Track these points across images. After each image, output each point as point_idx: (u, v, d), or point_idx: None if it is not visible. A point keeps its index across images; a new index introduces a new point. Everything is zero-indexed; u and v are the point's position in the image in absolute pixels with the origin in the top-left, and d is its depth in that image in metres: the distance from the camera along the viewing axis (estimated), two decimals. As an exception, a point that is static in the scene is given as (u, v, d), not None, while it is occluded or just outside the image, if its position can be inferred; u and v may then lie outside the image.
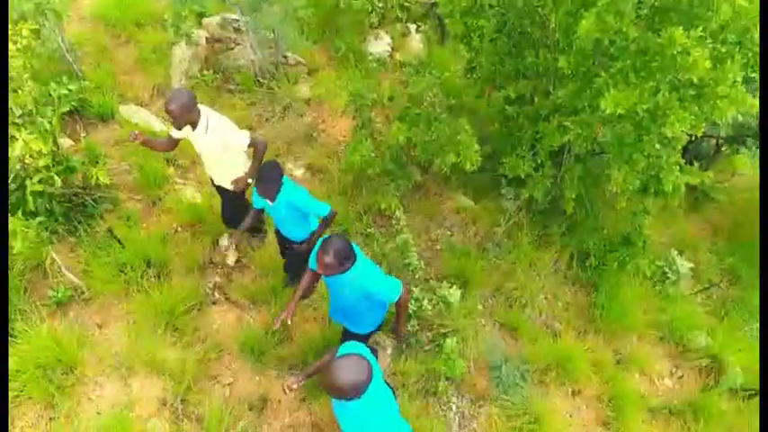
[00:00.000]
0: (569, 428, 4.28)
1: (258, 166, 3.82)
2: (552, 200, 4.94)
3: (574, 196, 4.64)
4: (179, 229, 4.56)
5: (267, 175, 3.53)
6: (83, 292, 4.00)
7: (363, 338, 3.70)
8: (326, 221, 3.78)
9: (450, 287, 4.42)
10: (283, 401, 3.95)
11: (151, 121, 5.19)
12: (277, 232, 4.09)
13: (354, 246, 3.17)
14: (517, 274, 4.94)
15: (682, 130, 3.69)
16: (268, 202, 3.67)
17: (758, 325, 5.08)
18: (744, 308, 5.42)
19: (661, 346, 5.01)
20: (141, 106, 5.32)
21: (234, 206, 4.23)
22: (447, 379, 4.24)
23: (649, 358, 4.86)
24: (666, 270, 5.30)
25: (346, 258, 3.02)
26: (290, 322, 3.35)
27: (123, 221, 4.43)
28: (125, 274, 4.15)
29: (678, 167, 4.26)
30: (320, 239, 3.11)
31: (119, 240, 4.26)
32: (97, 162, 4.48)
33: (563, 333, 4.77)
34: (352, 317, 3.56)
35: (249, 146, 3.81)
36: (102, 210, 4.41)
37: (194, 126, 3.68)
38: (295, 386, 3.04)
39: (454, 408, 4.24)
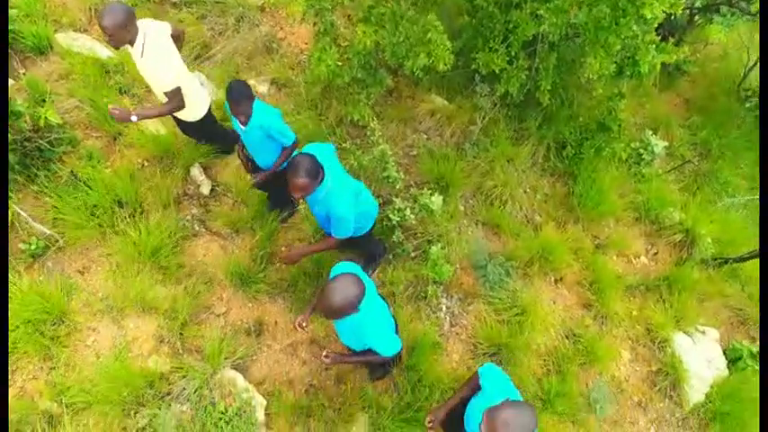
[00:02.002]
0: (554, 314, 4.41)
1: (156, 115, 3.57)
2: (527, 92, 4.71)
3: (549, 87, 4.42)
4: (145, 163, 4.27)
5: (237, 91, 3.26)
6: (57, 241, 3.80)
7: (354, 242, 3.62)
8: (288, 151, 3.60)
9: (431, 194, 4.31)
10: (279, 323, 3.96)
11: (95, 47, 4.66)
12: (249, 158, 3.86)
13: (328, 156, 3.07)
14: (496, 172, 4.83)
15: (662, 10, 3.43)
16: (240, 125, 3.43)
17: (729, 198, 5.15)
18: (715, 180, 5.45)
19: (637, 226, 5.07)
20: (80, 32, 4.76)
21: (200, 132, 3.95)
22: (435, 283, 4.27)
23: (626, 239, 4.93)
24: (642, 151, 5.22)
25: (317, 173, 2.96)
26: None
27: (85, 162, 4.11)
28: (97, 216, 3.92)
29: (654, 46, 4.04)
30: (289, 162, 2.98)
31: (84, 182, 3.99)
32: (44, 101, 4.06)
33: (543, 225, 4.78)
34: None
35: (168, 94, 3.44)
36: (60, 152, 4.06)
37: (132, 44, 3.31)
38: (305, 324, 3.11)
39: (444, 308, 4.32)
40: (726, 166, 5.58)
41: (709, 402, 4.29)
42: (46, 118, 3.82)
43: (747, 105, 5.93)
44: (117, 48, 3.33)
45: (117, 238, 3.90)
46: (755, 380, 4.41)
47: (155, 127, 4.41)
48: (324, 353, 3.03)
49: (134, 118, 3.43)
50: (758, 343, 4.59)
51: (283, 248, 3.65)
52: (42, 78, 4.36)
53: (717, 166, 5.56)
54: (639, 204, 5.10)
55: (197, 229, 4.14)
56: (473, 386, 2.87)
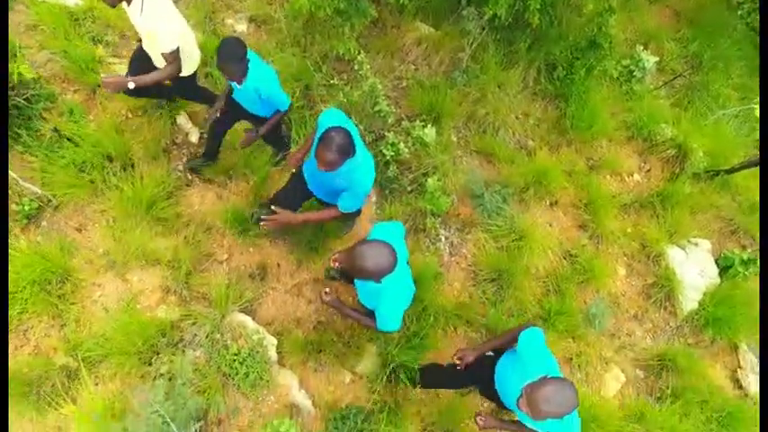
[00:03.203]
0: (551, 237, 4.44)
1: (155, 81, 3.33)
2: (516, 13, 4.50)
3: (538, 6, 4.22)
4: (129, 114, 4.10)
5: (228, 53, 3.04)
6: (49, 201, 3.70)
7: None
8: (282, 115, 3.48)
9: (424, 126, 4.21)
10: (282, 266, 3.96)
11: (60, -6, 4.37)
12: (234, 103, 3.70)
13: (355, 136, 2.87)
14: (487, 99, 4.72)
15: None
16: (235, 84, 3.27)
17: (720, 110, 5.08)
18: (706, 93, 5.36)
19: (629, 144, 5.03)
20: (42, -22, 4.44)
21: (183, 88, 3.78)
22: (433, 215, 4.26)
23: (619, 158, 4.91)
24: (632, 68, 5.11)
25: (348, 152, 2.76)
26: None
27: (67, 117, 3.93)
28: (87, 173, 3.81)
29: (646, -45, 3.84)
30: (321, 134, 2.76)
31: (69, 139, 3.84)
32: (14, 55, 3.83)
33: (537, 150, 4.73)
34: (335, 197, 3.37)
35: (166, 56, 3.23)
36: (40, 109, 3.87)
37: (129, 1, 3.10)
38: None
39: (443, 239, 4.33)
40: (717, 77, 5.48)
41: (703, 309, 4.41)
42: (20, 73, 3.63)
43: (739, 12, 5.74)
44: (113, 6, 3.11)
45: (110, 194, 3.80)
46: (746, 285, 4.54)
47: (134, 76, 4.20)
48: (326, 290, 2.95)
49: (131, 85, 3.27)
50: (749, 251, 4.68)
51: (275, 210, 3.16)
52: (10, 30, 4.09)
53: (708, 78, 5.46)
54: (631, 122, 5.04)
55: (189, 177, 4.04)
56: (510, 339, 2.86)
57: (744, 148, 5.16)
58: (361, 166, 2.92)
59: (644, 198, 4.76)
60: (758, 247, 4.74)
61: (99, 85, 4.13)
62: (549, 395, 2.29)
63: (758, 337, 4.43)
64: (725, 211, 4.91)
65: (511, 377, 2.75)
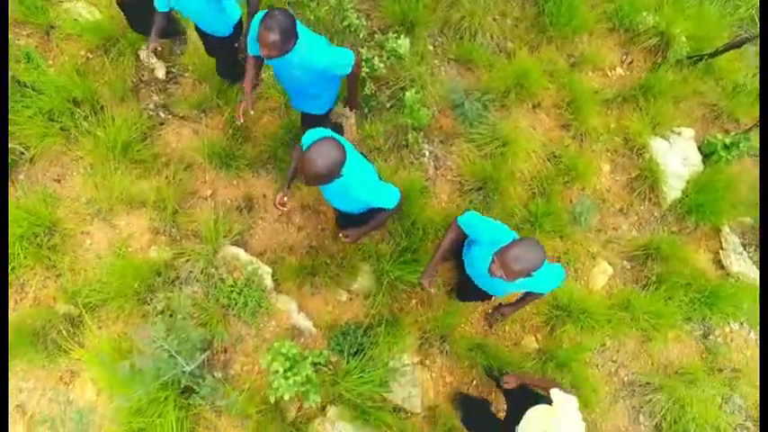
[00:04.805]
0: (534, 140, 4.25)
1: None
2: None
3: None
4: (89, 55, 3.79)
5: None
6: (23, 154, 3.50)
7: (323, 118, 3.37)
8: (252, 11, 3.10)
9: (398, 38, 3.90)
10: (268, 196, 3.82)
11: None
12: (198, 30, 3.39)
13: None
14: (462, 1, 4.34)
15: None
16: None
17: (705, -11, 4.68)
18: (691, -29, 4.93)
19: (611, 37, 4.70)
20: None
21: (141, 17, 3.45)
22: (414, 129, 4.06)
23: (601, 53, 4.60)
24: (613, -49, 4.66)
25: (291, 35, 2.53)
26: (252, 112, 3.06)
27: (24, 64, 3.65)
28: (56, 121, 3.58)
29: None
30: (258, 17, 2.56)
31: (30, 87, 3.57)
32: (-46, 2, 3.46)
33: (516, 51, 4.41)
34: (309, 99, 3.17)
35: None
36: (-7, 58, 3.58)
37: None
38: (285, 198, 2.92)
39: (427, 153, 4.16)
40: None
41: (686, 197, 4.32)
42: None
43: None
44: None
45: (84, 140, 3.60)
46: (728, 170, 4.42)
47: (88, 11, 3.84)
48: (341, 234, 2.91)
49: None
50: (731, 134, 4.51)
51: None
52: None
53: (694, -45, 5.00)
54: (612, 13, 4.67)
55: (162, 116, 3.81)
56: (453, 235, 2.82)
57: (728, 28, 4.83)
58: (311, 45, 2.68)
59: (626, 91, 4.51)
60: (741, 130, 4.56)
61: (52, 26, 3.79)
62: (518, 254, 2.34)
63: (740, 219, 4.40)
64: (708, 97, 4.68)
65: (477, 255, 2.76)
